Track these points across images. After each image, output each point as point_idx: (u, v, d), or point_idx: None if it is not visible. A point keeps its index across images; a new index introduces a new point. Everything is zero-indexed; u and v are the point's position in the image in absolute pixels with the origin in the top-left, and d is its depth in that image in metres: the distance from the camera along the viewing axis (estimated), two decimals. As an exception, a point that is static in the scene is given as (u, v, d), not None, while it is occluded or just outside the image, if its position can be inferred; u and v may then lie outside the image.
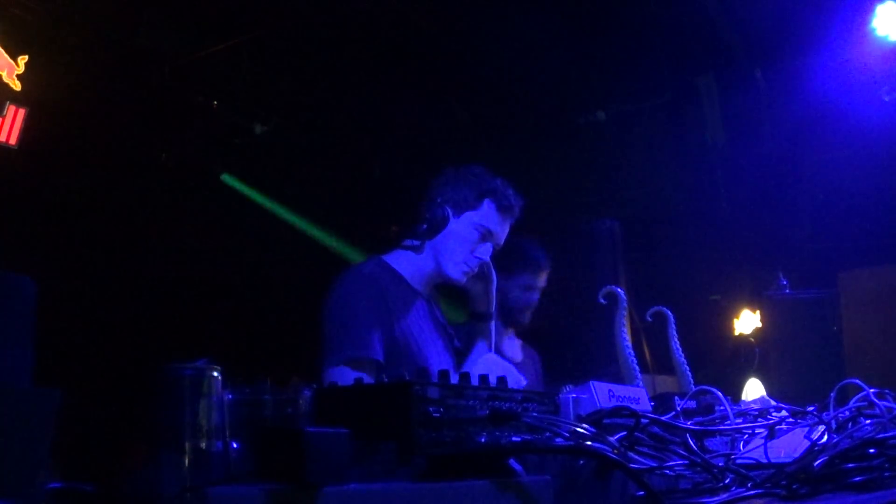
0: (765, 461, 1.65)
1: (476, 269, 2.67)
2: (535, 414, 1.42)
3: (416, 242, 2.69)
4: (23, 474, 0.94)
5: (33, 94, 4.87)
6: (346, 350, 2.46)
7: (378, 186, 6.65)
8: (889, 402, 1.91)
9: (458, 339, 2.83)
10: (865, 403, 1.88)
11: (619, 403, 1.73)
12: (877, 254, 4.50)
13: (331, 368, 2.45)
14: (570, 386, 1.81)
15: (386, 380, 1.34)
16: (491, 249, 2.69)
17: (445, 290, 2.85)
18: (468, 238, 2.65)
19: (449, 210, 2.65)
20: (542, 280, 3.46)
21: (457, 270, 2.65)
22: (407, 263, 2.70)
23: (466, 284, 2.72)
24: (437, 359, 2.61)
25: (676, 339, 2.58)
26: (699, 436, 1.67)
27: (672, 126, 5.81)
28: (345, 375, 2.31)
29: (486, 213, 2.67)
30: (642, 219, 5.80)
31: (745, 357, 5.06)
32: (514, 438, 1.33)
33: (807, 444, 1.65)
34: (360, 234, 6.23)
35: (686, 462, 1.52)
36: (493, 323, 2.78)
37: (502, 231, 2.71)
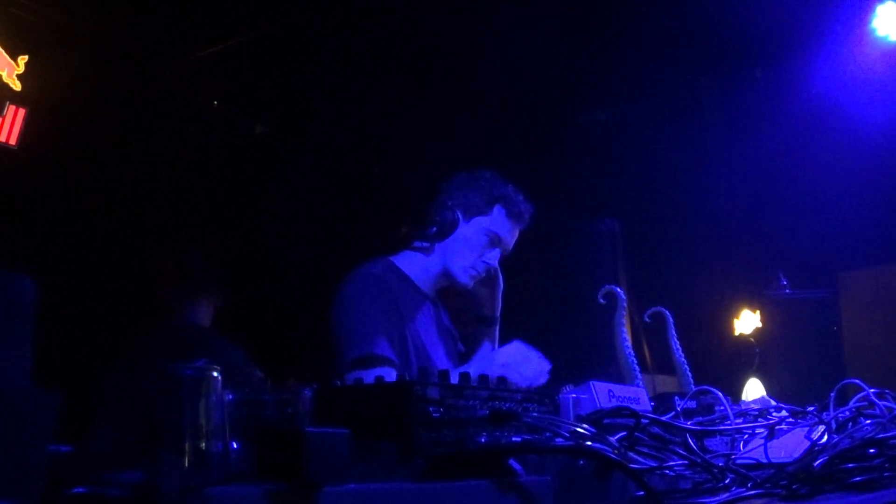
0: (765, 461, 1.65)
1: (483, 274, 2.69)
2: (535, 414, 1.42)
3: (426, 244, 2.69)
4: (23, 475, 0.93)
5: (33, 94, 4.86)
6: (356, 350, 2.44)
7: (380, 187, 6.64)
8: (889, 402, 1.91)
9: (463, 343, 2.83)
10: (865, 403, 1.88)
11: (619, 403, 1.73)
12: (877, 254, 4.50)
13: (342, 370, 2.43)
14: (570, 386, 1.81)
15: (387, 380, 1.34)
16: (499, 255, 2.70)
17: (452, 293, 2.84)
18: (477, 243, 2.66)
19: (459, 214, 2.67)
20: None
21: (464, 274, 2.66)
22: (414, 265, 2.70)
23: (473, 288, 2.72)
24: (441, 362, 2.61)
25: (676, 339, 2.59)
26: (699, 436, 1.67)
27: (672, 126, 5.81)
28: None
29: (497, 219, 2.68)
30: (642, 219, 5.79)
31: (745, 357, 5.05)
32: (514, 438, 1.33)
33: (807, 444, 1.66)
34: (363, 235, 6.22)
35: (686, 462, 1.52)
36: (497, 327, 2.79)
37: (511, 237, 2.72)
